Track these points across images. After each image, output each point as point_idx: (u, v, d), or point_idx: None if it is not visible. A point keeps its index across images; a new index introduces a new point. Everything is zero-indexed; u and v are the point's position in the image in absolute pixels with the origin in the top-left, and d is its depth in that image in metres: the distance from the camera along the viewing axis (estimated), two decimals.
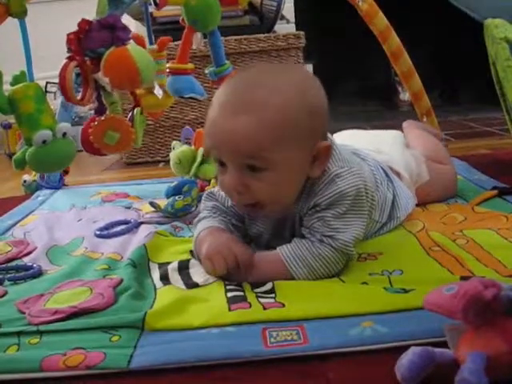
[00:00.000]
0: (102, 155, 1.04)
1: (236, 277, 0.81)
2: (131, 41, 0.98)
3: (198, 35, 1.16)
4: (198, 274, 0.87)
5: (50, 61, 2.31)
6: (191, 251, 0.95)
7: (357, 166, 0.86)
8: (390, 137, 1.17)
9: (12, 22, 0.92)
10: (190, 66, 1.14)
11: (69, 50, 0.90)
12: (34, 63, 0.91)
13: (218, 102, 0.80)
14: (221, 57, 1.19)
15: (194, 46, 1.16)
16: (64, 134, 0.85)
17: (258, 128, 0.76)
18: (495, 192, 1.16)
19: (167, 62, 1.19)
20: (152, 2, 1.13)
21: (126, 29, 0.92)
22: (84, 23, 0.90)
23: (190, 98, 1.16)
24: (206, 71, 1.21)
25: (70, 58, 0.90)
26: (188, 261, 0.92)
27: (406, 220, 1.03)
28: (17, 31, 0.91)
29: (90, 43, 0.89)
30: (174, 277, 0.87)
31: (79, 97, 0.93)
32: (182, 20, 1.15)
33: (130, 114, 1.09)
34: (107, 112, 1.02)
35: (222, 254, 0.81)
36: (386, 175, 1.01)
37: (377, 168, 0.99)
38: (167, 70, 1.14)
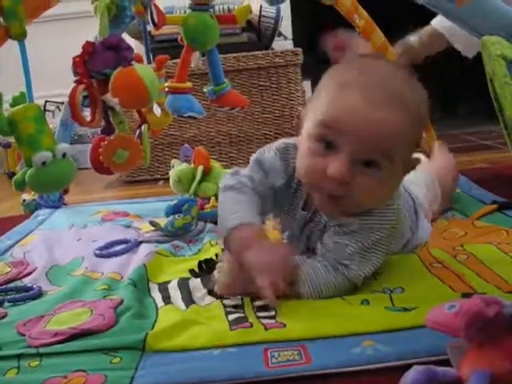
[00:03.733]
0: (110, 174, 1.04)
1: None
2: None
3: (196, 54, 1.17)
4: (199, 294, 0.86)
5: (49, 79, 2.33)
6: (191, 270, 0.95)
7: (400, 200, 0.84)
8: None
9: (11, 42, 0.92)
10: (189, 85, 1.14)
11: (75, 73, 0.91)
12: (32, 82, 0.91)
13: (358, 87, 0.74)
14: (219, 75, 1.19)
15: (192, 65, 1.17)
16: (64, 155, 0.85)
17: (402, 126, 0.74)
18: (495, 206, 1.16)
19: (166, 80, 1.19)
20: (150, 22, 1.14)
21: (130, 48, 0.92)
22: (88, 45, 0.90)
23: (189, 116, 1.16)
24: (205, 89, 1.22)
25: (77, 82, 0.90)
26: (187, 279, 0.92)
27: None
28: (16, 51, 0.92)
29: (96, 65, 0.90)
30: (175, 295, 0.87)
31: (88, 119, 0.94)
32: (181, 39, 1.16)
33: (138, 131, 1.09)
34: (115, 131, 1.03)
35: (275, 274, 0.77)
36: (415, 210, 0.98)
37: (407, 201, 0.95)
38: (166, 89, 1.14)
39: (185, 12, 1.16)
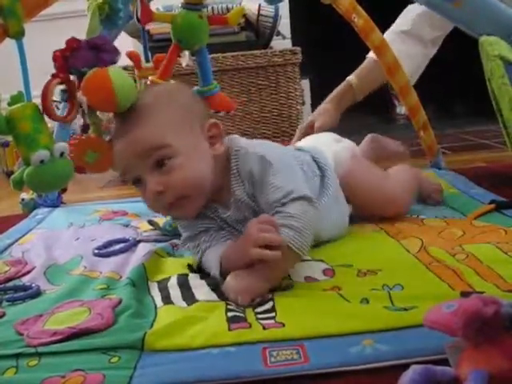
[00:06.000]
0: (84, 173, 1.04)
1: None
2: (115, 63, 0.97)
3: (186, 53, 1.16)
4: (199, 289, 0.87)
5: (48, 78, 2.32)
6: (189, 265, 0.97)
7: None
8: (323, 137, 1.26)
9: (11, 41, 0.92)
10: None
11: (55, 66, 0.91)
12: (31, 81, 0.91)
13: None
14: (207, 76, 1.18)
15: (183, 64, 1.16)
16: (61, 154, 0.85)
17: (149, 126, 0.88)
18: (493, 206, 1.16)
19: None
20: (135, 18, 1.13)
21: (113, 51, 0.92)
22: (72, 41, 0.90)
23: None
24: (193, 90, 1.21)
25: (53, 76, 0.90)
26: (186, 275, 0.93)
27: (392, 228, 1.07)
28: (15, 50, 0.91)
29: (75, 62, 0.90)
30: (175, 293, 0.87)
31: (65, 113, 0.94)
32: None
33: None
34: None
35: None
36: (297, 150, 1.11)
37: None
38: (148, 82, 1.13)
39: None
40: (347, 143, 1.21)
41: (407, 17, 1.65)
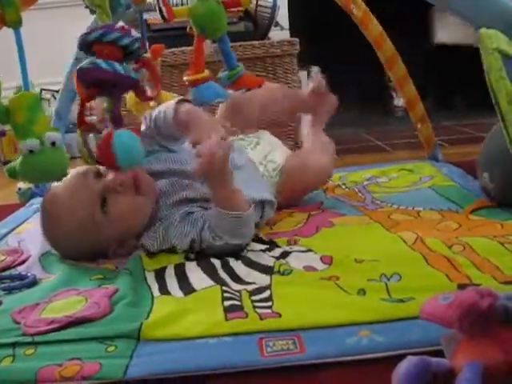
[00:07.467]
0: None
1: None
2: None
3: (208, 43, 1.16)
4: (195, 277, 0.87)
5: (45, 67, 2.31)
6: (186, 254, 0.97)
7: None
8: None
9: (7, 29, 0.92)
10: (206, 73, 1.14)
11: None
12: (28, 70, 0.90)
13: None
14: (232, 60, 1.19)
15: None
16: (53, 144, 0.83)
17: None
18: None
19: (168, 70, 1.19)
20: (160, 16, 1.13)
21: None
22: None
23: (218, 102, 1.19)
24: (219, 76, 1.21)
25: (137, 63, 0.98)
26: (183, 264, 0.93)
27: (388, 220, 1.08)
28: (12, 38, 0.91)
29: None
30: (172, 282, 0.87)
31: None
32: (190, 29, 1.15)
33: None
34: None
35: None
36: None
37: None
38: (186, 83, 1.14)
39: (187, 2, 1.15)
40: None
41: None
